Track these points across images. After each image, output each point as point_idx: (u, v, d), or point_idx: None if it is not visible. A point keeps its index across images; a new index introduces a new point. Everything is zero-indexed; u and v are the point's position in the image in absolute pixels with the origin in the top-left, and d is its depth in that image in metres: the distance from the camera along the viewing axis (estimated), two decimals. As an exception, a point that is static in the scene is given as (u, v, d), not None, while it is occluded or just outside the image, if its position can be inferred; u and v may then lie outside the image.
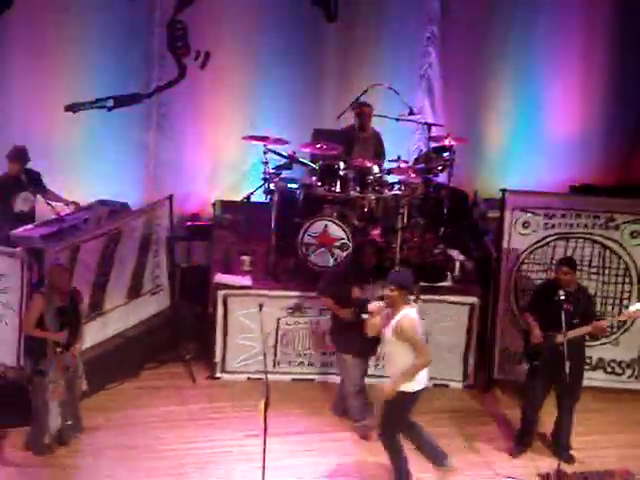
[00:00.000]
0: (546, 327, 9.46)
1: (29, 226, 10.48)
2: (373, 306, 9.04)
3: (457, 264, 11.19)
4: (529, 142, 13.23)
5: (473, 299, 10.93)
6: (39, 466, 9.27)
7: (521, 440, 9.90)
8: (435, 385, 10.95)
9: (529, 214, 10.67)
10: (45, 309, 9.17)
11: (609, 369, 11.01)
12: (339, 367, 10.09)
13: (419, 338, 8.76)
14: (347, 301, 9.66)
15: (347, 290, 9.65)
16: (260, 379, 9.87)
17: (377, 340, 9.29)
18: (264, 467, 8.48)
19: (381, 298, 9.14)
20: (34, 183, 10.93)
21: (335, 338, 10.00)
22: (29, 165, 10.94)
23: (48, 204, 10.65)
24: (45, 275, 9.39)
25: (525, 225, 10.70)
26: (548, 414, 9.92)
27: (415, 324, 8.74)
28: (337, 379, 10.40)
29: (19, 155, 10.81)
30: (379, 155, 11.73)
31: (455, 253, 11.37)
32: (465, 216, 12.21)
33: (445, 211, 11.67)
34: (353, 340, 9.65)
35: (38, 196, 10.95)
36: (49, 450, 9.42)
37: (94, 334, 10.50)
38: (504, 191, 10.70)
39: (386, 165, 11.42)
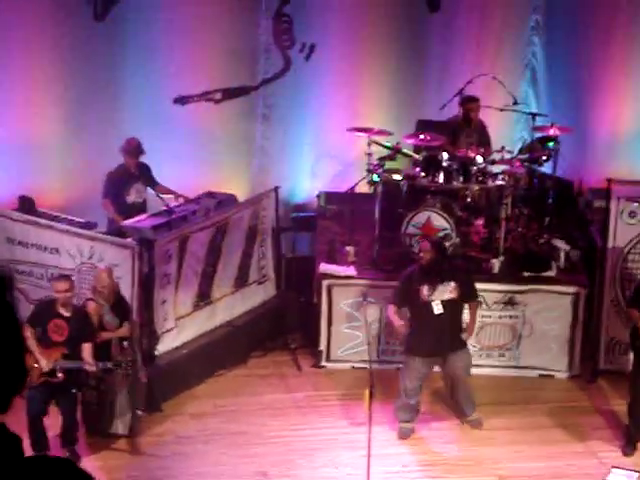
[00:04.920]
0: None
1: (140, 217, 10.74)
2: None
3: (562, 254, 11.12)
4: (636, 130, 13.05)
5: (578, 289, 10.86)
6: (147, 452, 9.53)
7: (631, 437, 9.75)
8: (540, 375, 10.94)
9: (636, 204, 10.56)
10: (102, 312, 9.37)
11: None
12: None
13: None
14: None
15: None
16: (364, 368, 9.99)
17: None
18: (369, 455, 8.60)
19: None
20: (145, 176, 11.19)
21: None
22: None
23: (158, 197, 10.88)
24: (94, 281, 9.59)
25: (632, 215, 10.60)
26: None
27: None
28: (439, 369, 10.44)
29: (136, 148, 11.06)
30: (485, 144, 11.70)
31: (560, 243, 11.30)
32: (570, 206, 12.11)
33: (550, 201, 11.60)
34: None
35: (149, 188, 11.21)
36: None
37: (202, 323, 10.75)
38: (610, 180, 10.62)
39: (490, 156, 11.40)
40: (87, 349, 9.05)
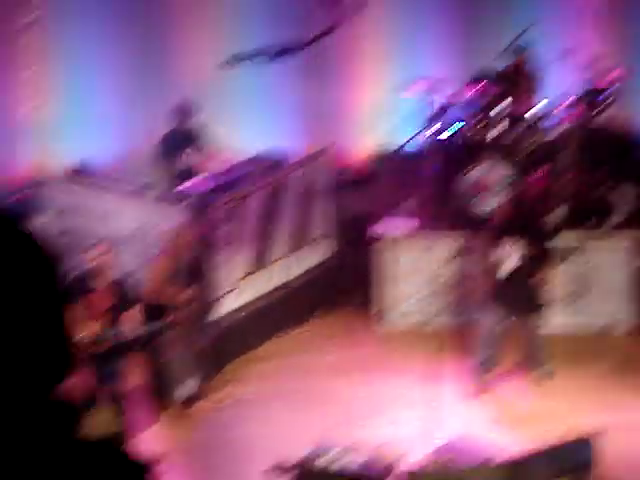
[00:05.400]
0: None
1: (195, 180, 10.71)
2: None
3: (623, 202, 10.94)
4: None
5: (641, 237, 10.70)
6: (208, 415, 9.54)
7: None
8: (605, 327, 10.78)
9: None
10: (172, 269, 9.29)
11: None
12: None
13: None
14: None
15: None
16: (428, 324, 9.92)
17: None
18: (436, 411, 8.54)
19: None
20: (198, 138, 11.13)
21: None
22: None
23: (211, 159, 10.84)
24: (171, 236, 9.52)
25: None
26: None
27: None
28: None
29: (186, 110, 11.01)
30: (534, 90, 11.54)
31: (624, 189, 11.10)
32: (631, 153, 11.89)
33: (610, 148, 11.38)
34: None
35: (203, 151, 11.16)
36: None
37: (261, 284, 10.71)
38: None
39: (548, 105, 11.21)
40: (130, 314, 9.00)
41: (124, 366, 9.06)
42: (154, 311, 9.25)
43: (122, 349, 9.07)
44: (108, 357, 8.96)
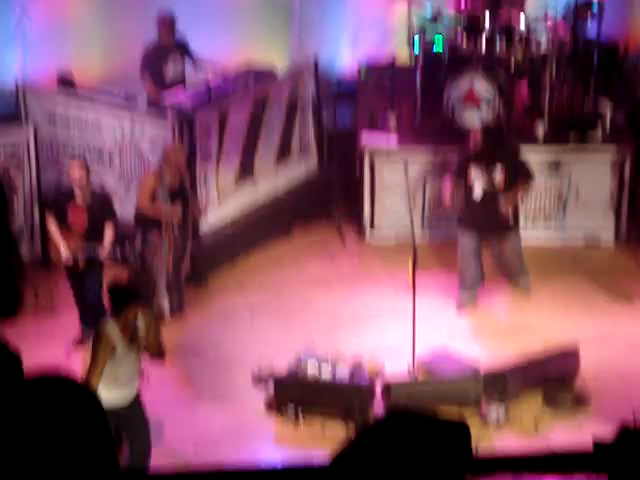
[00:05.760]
0: None
1: (179, 92, 10.67)
2: None
3: (607, 117, 10.95)
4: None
5: (624, 152, 10.72)
6: (194, 324, 9.66)
7: None
8: (586, 242, 10.87)
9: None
10: (159, 187, 9.21)
11: None
12: None
13: None
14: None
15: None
16: (408, 238, 9.96)
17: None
18: (414, 323, 8.65)
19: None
20: (183, 50, 11.06)
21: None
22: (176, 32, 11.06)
23: (196, 71, 10.77)
24: (161, 154, 9.47)
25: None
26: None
27: None
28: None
29: (168, 22, 10.90)
30: None
31: (605, 106, 11.11)
32: (616, 69, 11.88)
33: (595, 64, 11.37)
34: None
35: (186, 64, 11.09)
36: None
37: (245, 197, 10.75)
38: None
39: (536, 18, 11.15)
40: (108, 233, 8.99)
41: (103, 281, 9.05)
42: (142, 226, 9.30)
43: (102, 264, 9.08)
44: (87, 272, 8.99)
